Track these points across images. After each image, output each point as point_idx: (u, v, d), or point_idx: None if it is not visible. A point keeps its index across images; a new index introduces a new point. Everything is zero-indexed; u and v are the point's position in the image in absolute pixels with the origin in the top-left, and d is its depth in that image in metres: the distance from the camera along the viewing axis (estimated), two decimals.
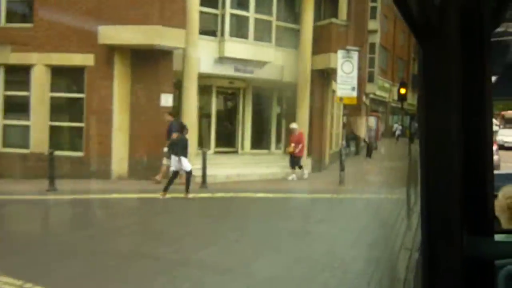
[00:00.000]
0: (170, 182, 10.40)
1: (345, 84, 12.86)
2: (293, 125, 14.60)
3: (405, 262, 5.34)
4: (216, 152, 15.73)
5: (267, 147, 17.13)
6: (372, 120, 37.83)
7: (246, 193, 11.19)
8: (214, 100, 15.65)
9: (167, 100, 12.95)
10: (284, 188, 12.59)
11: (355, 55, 12.95)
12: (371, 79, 27.05)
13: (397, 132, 36.60)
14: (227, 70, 14.65)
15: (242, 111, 16.48)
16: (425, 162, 0.98)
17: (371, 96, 39.37)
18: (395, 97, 47.16)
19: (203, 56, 14.01)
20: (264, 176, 14.21)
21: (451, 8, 0.92)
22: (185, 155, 10.59)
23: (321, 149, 16.25)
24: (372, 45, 26.93)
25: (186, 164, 10.47)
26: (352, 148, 23.20)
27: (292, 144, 14.19)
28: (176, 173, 10.57)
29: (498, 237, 1.35)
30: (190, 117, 13.27)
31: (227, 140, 16.64)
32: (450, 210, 0.96)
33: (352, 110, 24.12)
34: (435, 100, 0.96)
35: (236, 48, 14.33)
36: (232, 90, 16.57)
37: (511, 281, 1.30)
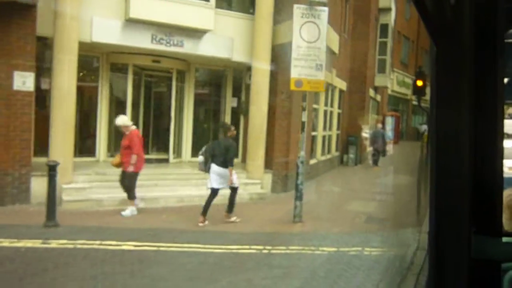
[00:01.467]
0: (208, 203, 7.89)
1: (305, 59, 7.89)
2: (120, 121, 8.42)
3: None
4: None
5: None
6: (388, 120, 32.41)
7: (110, 241, 6.38)
8: (130, 87, 10.86)
9: (24, 81, 8.25)
10: (196, 228, 7.70)
11: (323, 14, 7.96)
12: (381, 69, 21.71)
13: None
14: (140, 41, 9.85)
15: (177, 104, 11.66)
16: (435, 161, 0.97)
17: (390, 92, 33.95)
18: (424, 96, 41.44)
19: (97, 17, 9.27)
20: (189, 200, 9.39)
21: (466, 6, 0.91)
22: (232, 165, 7.98)
23: (287, 159, 11.24)
24: (384, 27, 21.56)
25: (235, 177, 8.06)
26: (352, 155, 18.03)
27: (118, 155, 8.51)
28: (216, 192, 7.91)
29: (505, 239, 1.18)
30: (62, 108, 8.53)
31: (155, 143, 11.86)
32: (458, 209, 0.95)
33: (354, 107, 18.91)
34: (447, 98, 0.96)
35: (150, 5, 9.53)
36: (161, 73, 11.76)
37: None
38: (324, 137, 15.50)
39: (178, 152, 11.79)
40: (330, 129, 16.59)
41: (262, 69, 10.49)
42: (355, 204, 10.29)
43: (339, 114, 17.90)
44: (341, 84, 17.24)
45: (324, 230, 7.76)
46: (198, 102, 12.13)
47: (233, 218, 8.07)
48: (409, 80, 36.33)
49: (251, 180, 10.50)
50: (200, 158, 8.20)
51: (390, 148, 28.53)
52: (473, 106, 0.94)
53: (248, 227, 7.74)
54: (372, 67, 20.53)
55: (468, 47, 0.93)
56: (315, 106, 13.98)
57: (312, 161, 13.95)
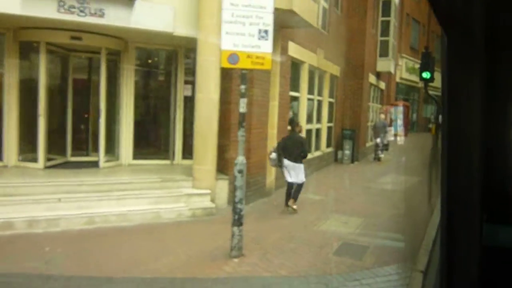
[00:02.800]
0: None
1: (242, 23, 5.32)
2: None
3: None
4: (49, 167, 8.58)
5: (162, 155, 9.79)
6: (397, 110, 29.56)
7: None
8: (42, 72, 8.41)
9: None
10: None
11: None
12: (384, 52, 18.91)
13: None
14: (42, 9, 7.39)
15: (111, 93, 9.19)
16: (447, 150, 0.96)
17: (398, 80, 31.01)
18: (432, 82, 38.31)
19: None
20: (103, 221, 6.97)
21: None
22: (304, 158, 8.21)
23: (249, 161, 8.71)
24: (386, 4, 18.73)
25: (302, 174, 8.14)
26: (347, 151, 15.40)
27: None
28: (291, 185, 8.15)
29: None
30: None
31: (78, 143, 9.44)
32: (470, 197, 0.95)
33: (350, 96, 16.23)
34: (458, 88, 0.94)
35: None
36: (87, 54, 9.30)
37: None
38: (309, 131, 12.91)
39: (114, 154, 9.36)
40: (319, 121, 13.98)
41: (210, 44, 7.94)
42: (332, 221, 7.74)
43: (331, 103, 15.27)
44: (333, 69, 14.58)
45: (269, 272, 5.24)
46: (141, 90, 9.66)
47: (295, 206, 8.21)
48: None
49: (198, 191, 8.01)
50: (273, 155, 8.34)
51: (399, 139, 25.78)
52: (484, 96, 0.92)
53: (150, 267, 5.25)
54: (372, 49, 17.78)
55: (479, 38, 0.91)
56: (293, 94, 11.39)
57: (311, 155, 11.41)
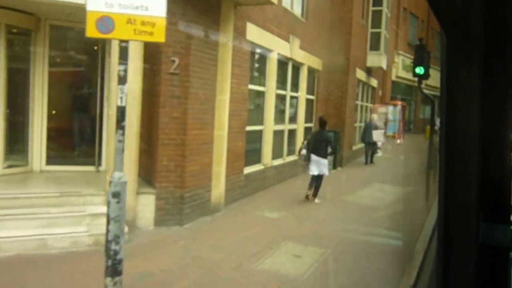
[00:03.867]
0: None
1: None
2: None
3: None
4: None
5: (86, 160, 7.88)
6: (392, 111, 27.69)
7: None
8: None
9: None
10: None
11: None
12: (375, 45, 16.98)
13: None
14: None
15: (15, 82, 7.30)
16: (444, 149, 0.97)
17: (394, 78, 29.10)
18: (429, 82, 36.29)
19: None
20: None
21: None
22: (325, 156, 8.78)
23: (183, 170, 6.80)
24: None
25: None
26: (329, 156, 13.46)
27: None
28: (314, 178, 8.77)
29: None
30: None
31: (12, 145, 7.53)
32: (467, 196, 0.96)
33: (334, 93, 14.33)
34: (457, 88, 0.96)
35: None
36: None
37: None
38: (279, 133, 11.01)
39: (23, 158, 7.46)
40: (293, 121, 12.06)
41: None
42: (281, 252, 5.82)
43: (310, 101, 13.35)
44: (312, 61, 12.66)
45: None
46: (58, 79, 7.75)
47: (317, 200, 8.71)
48: None
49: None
50: (303, 151, 9.11)
51: (393, 141, 23.83)
52: (482, 96, 0.93)
53: None
54: (361, 42, 15.85)
55: (479, 37, 0.91)
56: (256, 87, 9.49)
57: (255, 168, 9.50)
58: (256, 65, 9.51)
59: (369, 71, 17.66)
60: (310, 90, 13.17)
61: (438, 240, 1.01)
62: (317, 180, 8.70)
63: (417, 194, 10.23)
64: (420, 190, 10.67)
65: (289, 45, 10.68)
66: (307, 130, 13.13)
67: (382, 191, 10.59)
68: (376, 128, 16.24)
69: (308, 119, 13.30)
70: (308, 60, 12.24)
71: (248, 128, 8.92)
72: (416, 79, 29.03)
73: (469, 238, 0.96)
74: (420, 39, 13.73)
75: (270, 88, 9.89)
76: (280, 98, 10.96)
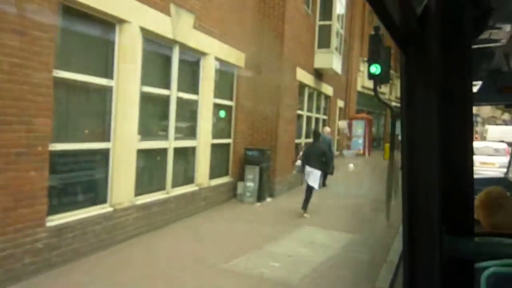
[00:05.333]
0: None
1: None
2: None
3: None
4: None
5: None
6: (357, 125, 24.34)
7: None
8: None
9: None
10: None
11: None
12: (324, 41, 13.46)
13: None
14: None
15: None
16: (406, 164, 0.98)
17: (359, 89, 25.82)
18: (399, 94, 33.13)
19: None
20: None
21: (432, 17, 0.93)
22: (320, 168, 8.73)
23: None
24: None
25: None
26: (250, 184, 9.74)
27: None
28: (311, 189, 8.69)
29: (479, 239, 1.27)
30: None
31: None
32: (430, 211, 0.97)
33: (263, 99, 10.72)
34: (416, 103, 0.97)
35: None
36: None
37: (495, 282, 1.39)
38: (158, 152, 7.27)
39: None
40: (191, 135, 8.33)
41: None
42: None
43: (226, 108, 9.68)
44: (225, 52, 9.01)
45: None
46: None
47: (306, 215, 8.56)
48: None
49: None
50: (298, 162, 9.29)
51: (350, 166, 20.42)
52: (442, 110, 0.94)
53: None
54: (302, 34, 12.30)
55: (436, 53, 0.94)
56: (95, 80, 5.72)
57: (144, 200, 5.75)
58: (96, 47, 5.77)
59: (319, 75, 14.13)
60: (224, 94, 9.50)
61: (404, 255, 1.00)
62: (306, 192, 8.64)
63: (367, 249, 6.61)
64: (373, 242, 7.05)
65: (171, 20, 7.00)
66: (220, 147, 9.41)
67: (311, 244, 6.89)
68: (330, 146, 12.71)
69: (222, 133, 9.59)
70: (216, 49, 8.59)
71: (59, 146, 5.12)
72: (387, 90, 25.34)
73: (434, 252, 0.96)
74: (376, 27, 10.30)
75: (123, 82, 6.13)
76: (158, 101, 7.23)
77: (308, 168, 8.65)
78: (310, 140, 13.95)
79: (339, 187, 12.18)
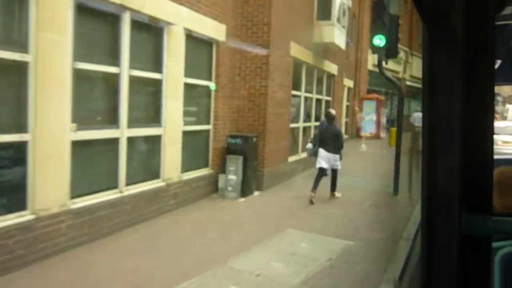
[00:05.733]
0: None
1: None
2: None
3: None
4: None
5: None
6: (368, 106, 22.83)
7: None
8: None
9: None
10: None
11: None
12: (324, 12, 11.87)
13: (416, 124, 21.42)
14: None
15: None
16: (426, 142, 1.01)
17: (370, 68, 24.08)
18: (414, 72, 31.22)
19: None
20: None
21: None
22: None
23: None
24: None
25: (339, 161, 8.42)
26: (233, 177, 8.41)
27: None
28: (324, 171, 8.29)
29: (495, 218, 1.26)
30: None
31: None
32: (449, 188, 0.98)
33: (247, 79, 9.33)
34: (439, 80, 0.98)
35: None
36: None
37: (509, 262, 1.41)
38: (139, 141, 6.00)
39: None
40: (153, 122, 7.00)
41: None
42: None
43: (204, 90, 8.33)
44: (200, 25, 7.61)
45: None
46: None
47: (338, 194, 8.48)
48: (400, 54, 26.34)
49: None
50: (309, 145, 8.69)
51: (363, 146, 19.08)
52: (464, 88, 0.95)
53: None
54: (298, 4, 10.77)
55: (460, 30, 0.94)
56: (84, 65, 4.43)
57: (85, 202, 4.54)
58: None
59: (321, 52, 12.60)
60: (201, 72, 8.14)
61: (422, 232, 1.02)
62: (333, 175, 8.40)
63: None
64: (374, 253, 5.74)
65: None
66: (196, 135, 8.09)
67: (292, 256, 5.56)
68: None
69: (199, 118, 8.26)
70: (185, 19, 7.19)
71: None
72: (400, 69, 23.46)
73: (452, 230, 0.97)
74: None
75: (44, 56, 4.80)
76: (102, 81, 5.91)
77: (322, 152, 8.18)
78: (310, 124, 12.56)
79: (343, 176, 10.81)
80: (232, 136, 8.56)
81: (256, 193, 8.91)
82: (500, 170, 2.02)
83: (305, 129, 12.24)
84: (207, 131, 8.51)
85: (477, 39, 0.95)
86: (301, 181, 10.27)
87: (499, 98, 46.74)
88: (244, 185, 8.43)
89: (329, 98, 14.82)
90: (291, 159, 10.94)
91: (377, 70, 23.44)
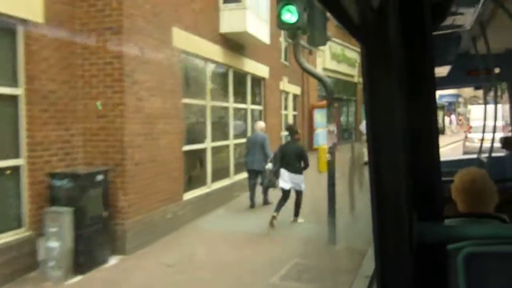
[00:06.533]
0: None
1: None
2: None
3: None
4: None
5: None
6: (318, 115, 20.23)
7: None
8: None
9: None
10: None
11: None
12: None
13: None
14: None
15: None
16: (372, 153, 0.99)
17: (320, 72, 21.20)
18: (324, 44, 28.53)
19: None
20: None
21: (390, 7, 0.93)
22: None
23: None
24: None
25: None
26: (53, 243, 5.02)
27: None
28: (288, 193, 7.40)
29: (452, 221, 1.45)
30: None
31: None
32: (398, 198, 0.96)
33: (97, 82, 5.85)
34: (379, 93, 0.96)
35: None
36: None
37: (471, 262, 1.45)
38: None
39: None
40: None
41: None
42: None
43: (10, 103, 4.95)
44: None
45: None
46: None
47: (300, 220, 7.44)
48: (352, 53, 23.72)
49: None
50: (269, 165, 7.97)
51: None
52: (405, 97, 0.95)
53: None
54: None
55: (396, 43, 0.94)
56: None
57: None
58: None
59: (237, 47, 9.48)
60: None
61: (374, 245, 0.98)
62: (297, 197, 7.35)
63: None
64: None
65: None
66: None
67: None
68: (264, 147, 8.30)
69: (12, 151, 4.89)
70: None
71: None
72: (355, 73, 24.19)
73: (404, 238, 0.95)
74: None
75: None
76: None
77: (284, 172, 7.31)
78: (228, 142, 9.38)
79: (254, 217, 7.66)
80: (56, 176, 5.20)
81: (112, 261, 5.59)
82: (471, 178, 2.01)
83: (218, 149, 9.03)
84: (16, 168, 5.14)
85: (414, 51, 0.97)
86: (204, 227, 7.02)
87: (460, 100, 45.48)
88: (78, 255, 5.07)
89: (259, 108, 11.68)
90: (190, 195, 7.67)
91: (326, 73, 20.23)
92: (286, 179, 7.28)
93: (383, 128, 0.96)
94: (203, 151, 8.39)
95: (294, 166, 7.29)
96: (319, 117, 20.05)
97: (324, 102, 20.15)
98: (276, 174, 7.54)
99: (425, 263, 0.97)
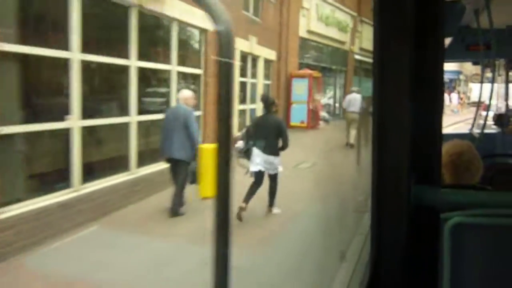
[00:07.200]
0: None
1: None
2: None
3: None
4: None
5: None
6: (298, 86, 17.34)
7: None
8: None
9: None
10: None
11: None
12: None
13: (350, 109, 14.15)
14: None
15: None
16: (377, 117, 0.99)
17: (304, 35, 17.80)
18: (364, 44, 25.14)
19: None
20: None
21: None
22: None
23: None
24: None
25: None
26: None
27: None
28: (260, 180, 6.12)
29: (443, 190, 1.42)
30: None
31: None
32: (399, 160, 0.98)
33: None
34: (389, 59, 0.97)
35: None
36: None
37: (458, 232, 1.45)
38: None
39: None
40: None
41: None
42: None
43: None
44: None
45: None
46: None
47: (276, 210, 6.33)
48: (344, 16, 20.20)
49: None
50: (240, 143, 6.36)
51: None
52: (414, 65, 0.95)
53: None
54: None
55: (410, 10, 0.94)
56: None
57: None
58: None
59: None
60: None
61: (372, 202, 0.99)
62: (271, 185, 6.20)
63: None
64: None
65: None
66: None
67: None
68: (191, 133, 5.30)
69: None
70: None
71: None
72: (346, 38, 22.61)
73: (401, 200, 0.97)
74: None
75: None
76: None
77: (257, 152, 6.00)
78: (114, 120, 6.29)
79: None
80: None
81: None
82: (458, 150, 2.04)
83: (103, 130, 5.90)
84: None
85: (427, 18, 0.96)
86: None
87: (461, 77, 42.43)
88: None
89: (196, 71, 8.45)
90: (26, 207, 4.57)
91: (312, 37, 16.42)
92: (258, 161, 6.04)
93: (390, 91, 0.98)
94: (63, 133, 5.25)
95: (271, 145, 6.06)
96: (298, 88, 16.82)
97: (306, 71, 16.92)
98: (247, 154, 6.24)
99: (419, 224, 1.03)
